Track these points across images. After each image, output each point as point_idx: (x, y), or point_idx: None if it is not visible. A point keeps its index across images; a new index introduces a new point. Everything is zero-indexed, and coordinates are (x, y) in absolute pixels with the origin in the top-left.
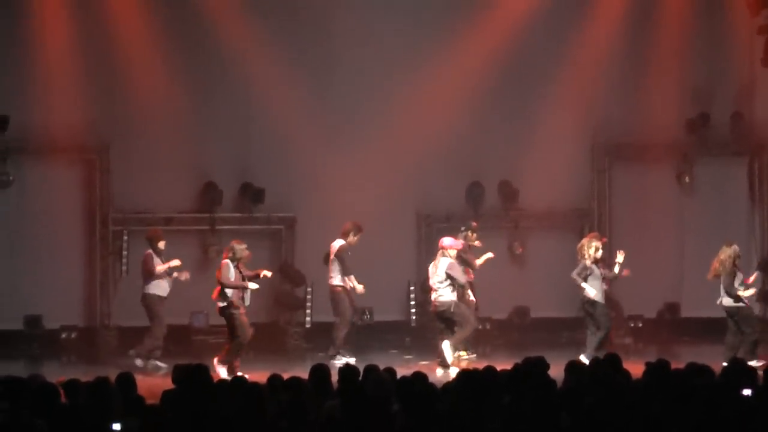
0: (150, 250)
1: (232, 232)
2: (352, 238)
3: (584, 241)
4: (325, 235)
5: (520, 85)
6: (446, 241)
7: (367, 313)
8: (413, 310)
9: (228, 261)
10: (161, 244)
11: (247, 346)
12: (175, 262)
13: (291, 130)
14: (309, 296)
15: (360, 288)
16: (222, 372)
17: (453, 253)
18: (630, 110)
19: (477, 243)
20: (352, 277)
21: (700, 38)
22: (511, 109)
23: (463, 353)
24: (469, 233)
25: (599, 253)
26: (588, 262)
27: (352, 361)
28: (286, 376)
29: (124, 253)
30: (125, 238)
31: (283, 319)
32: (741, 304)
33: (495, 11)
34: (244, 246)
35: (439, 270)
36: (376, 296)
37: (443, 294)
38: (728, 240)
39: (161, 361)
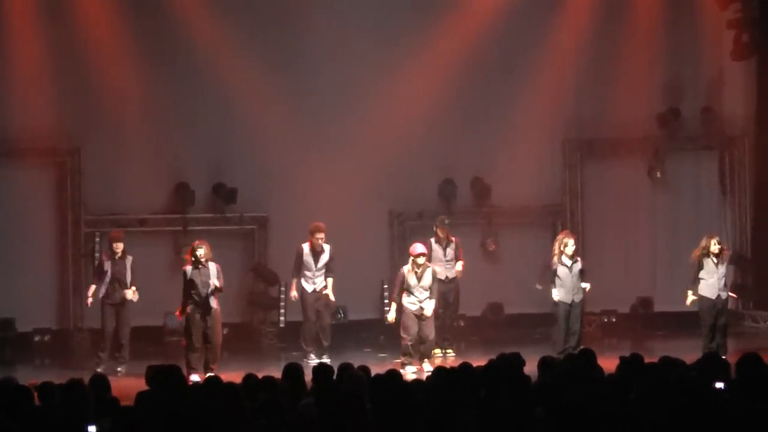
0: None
1: (205, 232)
2: (310, 239)
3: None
4: (298, 234)
5: (491, 82)
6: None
7: (341, 311)
8: (387, 309)
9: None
10: (115, 246)
11: (222, 347)
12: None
13: (263, 129)
14: (282, 296)
15: (292, 295)
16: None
17: (422, 261)
18: (601, 105)
19: (452, 238)
20: (302, 278)
21: (669, 33)
22: (482, 106)
23: (437, 351)
24: (436, 228)
25: (567, 249)
26: (555, 260)
27: (313, 362)
28: (260, 375)
29: (97, 255)
30: (97, 239)
31: (257, 318)
32: (704, 295)
33: (465, 9)
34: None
35: (424, 281)
36: (349, 295)
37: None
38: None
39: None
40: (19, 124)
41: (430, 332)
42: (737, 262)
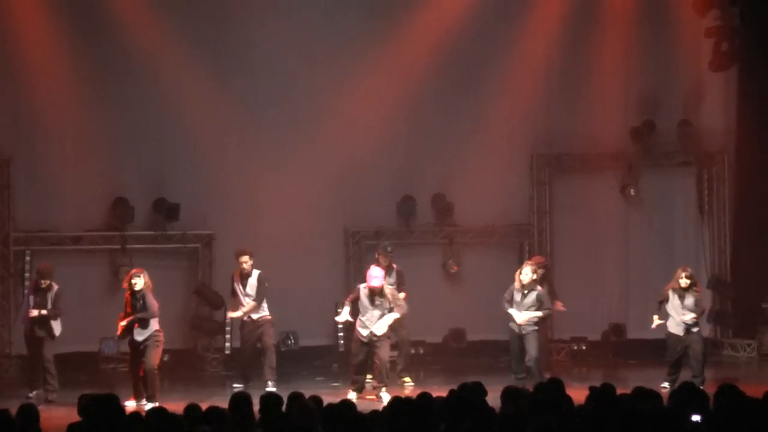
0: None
1: (145, 251)
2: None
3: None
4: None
5: (454, 93)
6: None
7: (291, 337)
8: (341, 334)
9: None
10: (42, 283)
11: (161, 374)
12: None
13: (208, 141)
14: (228, 320)
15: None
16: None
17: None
18: (571, 119)
19: (393, 266)
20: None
21: (644, 42)
22: (445, 118)
23: (407, 379)
24: (378, 255)
25: (522, 277)
26: (514, 285)
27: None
28: (204, 405)
29: (26, 275)
30: (27, 258)
31: (201, 345)
32: (671, 332)
33: (427, 16)
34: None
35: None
36: (300, 319)
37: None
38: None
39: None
40: None
41: (383, 354)
42: (715, 286)
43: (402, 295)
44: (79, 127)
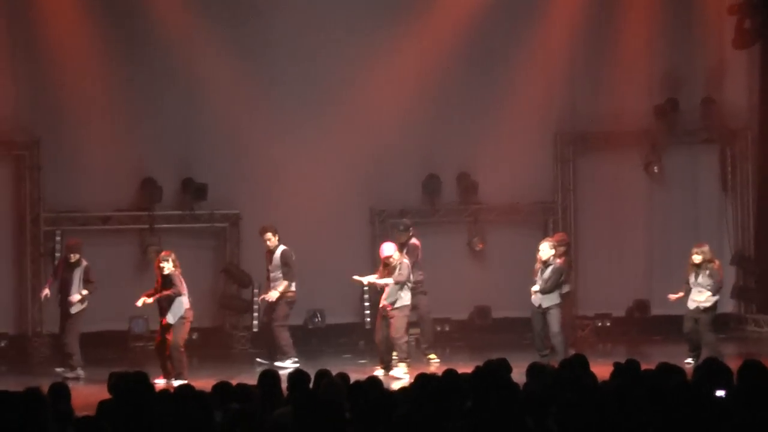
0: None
1: (173, 230)
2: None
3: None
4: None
5: (479, 72)
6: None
7: (318, 315)
8: (367, 312)
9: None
10: (72, 257)
11: (190, 352)
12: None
13: (235, 122)
14: (256, 298)
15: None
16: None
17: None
18: (594, 97)
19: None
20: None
21: (667, 20)
22: (469, 97)
23: (432, 356)
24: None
25: (541, 254)
26: (537, 266)
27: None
28: (234, 382)
29: (57, 254)
30: (58, 238)
31: (229, 323)
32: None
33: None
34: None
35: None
36: (327, 298)
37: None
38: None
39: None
40: None
41: (392, 330)
42: (739, 262)
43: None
44: (107, 109)
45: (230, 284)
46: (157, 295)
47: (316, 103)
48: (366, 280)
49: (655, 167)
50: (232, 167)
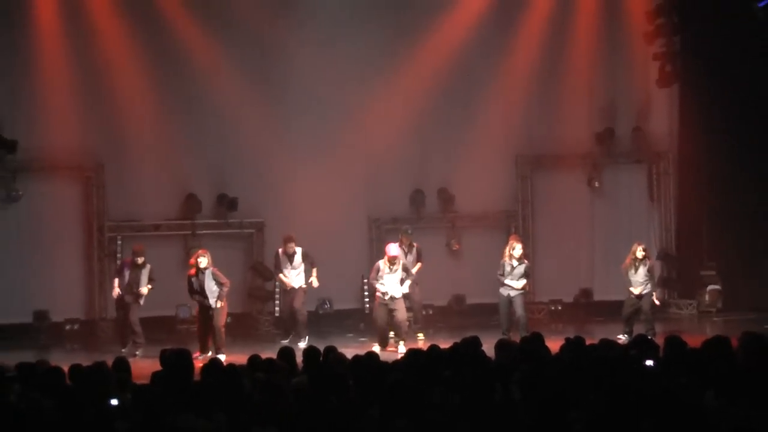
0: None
1: (210, 235)
2: (283, 247)
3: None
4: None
5: (455, 105)
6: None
7: (327, 302)
8: (366, 300)
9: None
10: (138, 259)
11: (226, 333)
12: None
13: (260, 147)
14: (277, 289)
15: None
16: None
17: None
18: (548, 126)
19: (414, 244)
20: (280, 275)
21: (605, 63)
22: (448, 126)
23: (420, 334)
24: (401, 236)
25: (515, 252)
26: (506, 260)
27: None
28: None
29: (118, 255)
30: (119, 242)
31: (256, 309)
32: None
33: (432, 47)
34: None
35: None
36: (334, 288)
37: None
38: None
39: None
40: (51, 144)
41: (401, 315)
42: (664, 258)
43: (418, 265)
44: (157, 137)
45: (256, 278)
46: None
47: (325, 132)
48: (384, 289)
49: (596, 182)
50: (258, 184)
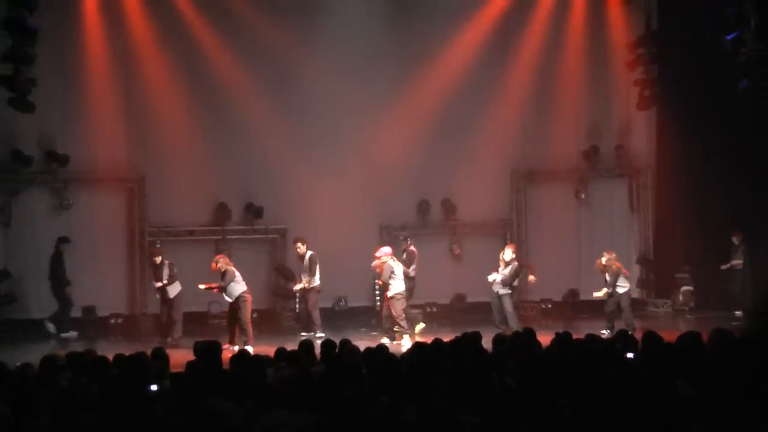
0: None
1: (239, 240)
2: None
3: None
4: (310, 241)
5: (457, 125)
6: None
7: (343, 300)
8: (377, 298)
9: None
10: (156, 259)
11: (254, 327)
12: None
13: (283, 162)
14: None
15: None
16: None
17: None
18: (539, 144)
19: (412, 248)
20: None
21: (591, 88)
22: (450, 143)
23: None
24: (401, 242)
25: (504, 255)
26: (500, 263)
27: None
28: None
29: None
30: (158, 246)
31: (279, 306)
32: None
33: (437, 71)
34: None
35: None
36: (349, 288)
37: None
38: (608, 249)
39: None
40: (99, 159)
41: (397, 309)
42: (642, 262)
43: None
44: (192, 153)
45: (279, 278)
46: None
47: (340, 148)
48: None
49: (583, 194)
50: (282, 194)
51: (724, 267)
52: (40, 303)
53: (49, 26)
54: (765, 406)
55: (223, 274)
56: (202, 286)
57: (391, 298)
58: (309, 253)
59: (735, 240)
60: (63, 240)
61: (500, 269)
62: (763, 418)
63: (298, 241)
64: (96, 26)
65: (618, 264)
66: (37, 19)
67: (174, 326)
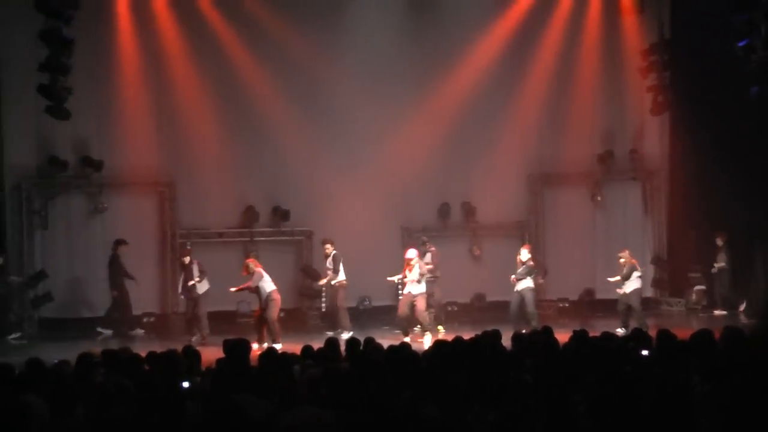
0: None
1: (266, 242)
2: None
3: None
4: (335, 243)
5: (476, 130)
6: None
7: (367, 299)
8: (400, 297)
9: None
10: (184, 260)
11: (281, 325)
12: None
13: (308, 166)
14: (323, 288)
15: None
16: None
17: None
18: (556, 149)
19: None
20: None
21: (606, 94)
22: (470, 148)
23: (440, 327)
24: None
25: (521, 256)
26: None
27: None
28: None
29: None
30: (188, 247)
31: (305, 305)
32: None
33: (456, 77)
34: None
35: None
36: (373, 288)
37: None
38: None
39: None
40: (132, 164)
41: (418, 309)
42: (656, 262)
43: (429, 266)
44: (221, 158)
45: (306, 279)
46: (240, 287)
47: (364, 154)
48: (396, 278)
49: (598, 197)
50: (307, 198)
51: (714, 270)
52: (75, 303)
53: (84, 36)
54: None
55: (253, 276)
56: (233, 289)
57: (417, 296)
58: (333, 252)
59: (719, 242)
60: (120, 242)
61: (517, 271)
62: None
63: (327, 242)
64: (128, 36)
65: (633, 260)
66: (72, 30)
67: (199, 323)
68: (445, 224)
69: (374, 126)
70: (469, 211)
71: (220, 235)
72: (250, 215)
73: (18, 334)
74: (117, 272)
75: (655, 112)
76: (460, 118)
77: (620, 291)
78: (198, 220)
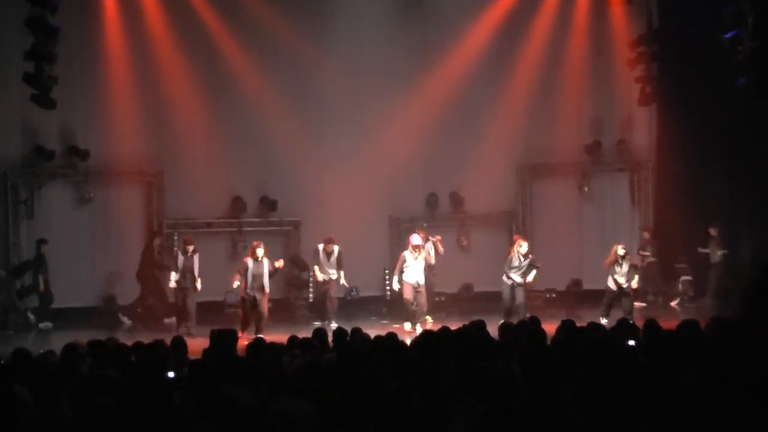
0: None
1: (254, 232)
2: (324, 246)
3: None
4: (322, 233)
5: (464, 120)
6: (414, 241)
7: (355, 290)
8: (387, 288)
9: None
10: (188, 247)
11: (268, 316)
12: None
13: (296, 156)
14: (311, 279)
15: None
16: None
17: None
18: (544, 139)
19: (430, 237)
20: (315, 268)
21: (593, 85)
22: (458, 138)
23: (428, 317)
24: (417, 230)
25: (522, 250)
26: (513, 256)
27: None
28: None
29: (175, 249)
30: (175, 238)
31: (293, 296)
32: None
33: (445, 67)
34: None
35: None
36: (360, 278)
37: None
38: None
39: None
40: (118, 153)
41: (423, 298)
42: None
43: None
44: (208, 148)
45: (293, 269)
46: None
47: (351, 143)
48: (415, 282)
49: (585, 188)
50: (295, 188)
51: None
52: (62, 292)
53: (70, 25)
54: (761, 392)
55: (264, 264)
56: (279, 263)
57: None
58: (337, 248)
59: (712, 232)
60: (157, 234)
61: (514, 263)
62: (761, 404)
63: (333, 242)
64: (115, 24)
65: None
66: (58, 18)
67: (188, 315)
68: (433, 214)
69: (362, 116)
70: (457, 201)
71: (208, 225)
72: (237, 205)
73: (49, 324)
74: (148, 263)
75: (642, 103)
76: (448, 109)
77: (621, 283)
78: (185, 210)
